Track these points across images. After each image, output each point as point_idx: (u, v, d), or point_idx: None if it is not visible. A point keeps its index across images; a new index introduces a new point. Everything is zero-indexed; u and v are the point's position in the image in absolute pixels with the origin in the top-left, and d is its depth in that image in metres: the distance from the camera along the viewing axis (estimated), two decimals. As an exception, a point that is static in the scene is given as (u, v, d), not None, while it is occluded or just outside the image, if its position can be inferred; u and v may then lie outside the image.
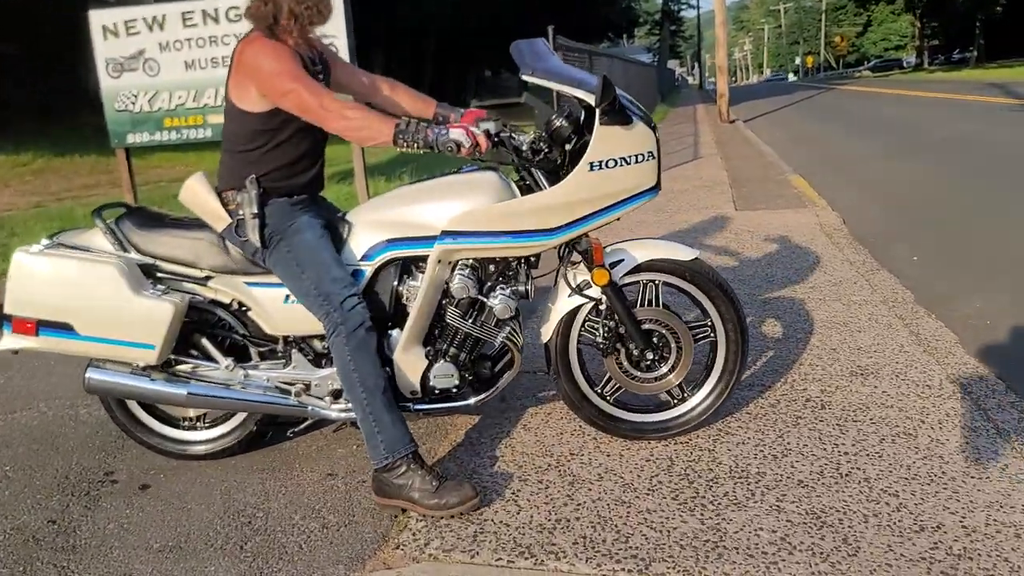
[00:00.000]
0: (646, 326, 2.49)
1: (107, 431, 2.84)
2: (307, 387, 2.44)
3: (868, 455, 2.41)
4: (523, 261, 2.38)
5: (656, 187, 2.32)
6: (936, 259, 4.83)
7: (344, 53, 6.34)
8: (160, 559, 2.13)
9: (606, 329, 2.47)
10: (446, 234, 2.26)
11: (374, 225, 2.35)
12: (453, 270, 2.32)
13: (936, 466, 2.31)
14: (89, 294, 2.26)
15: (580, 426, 2.70)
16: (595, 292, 2.41)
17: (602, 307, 2.46)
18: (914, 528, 2.03)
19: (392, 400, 2.26)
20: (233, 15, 7.22)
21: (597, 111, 2.16)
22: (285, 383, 2.45)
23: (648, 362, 2.51)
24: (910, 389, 2.86)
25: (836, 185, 7.77)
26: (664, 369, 2.54)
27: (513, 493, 2.32)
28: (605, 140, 2.20)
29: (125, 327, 2.28)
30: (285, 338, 2.45)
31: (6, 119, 15.59)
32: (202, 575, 2.05)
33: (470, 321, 2.35)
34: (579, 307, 2.47)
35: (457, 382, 2.39)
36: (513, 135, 2.32)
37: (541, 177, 2.31)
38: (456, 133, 2.14)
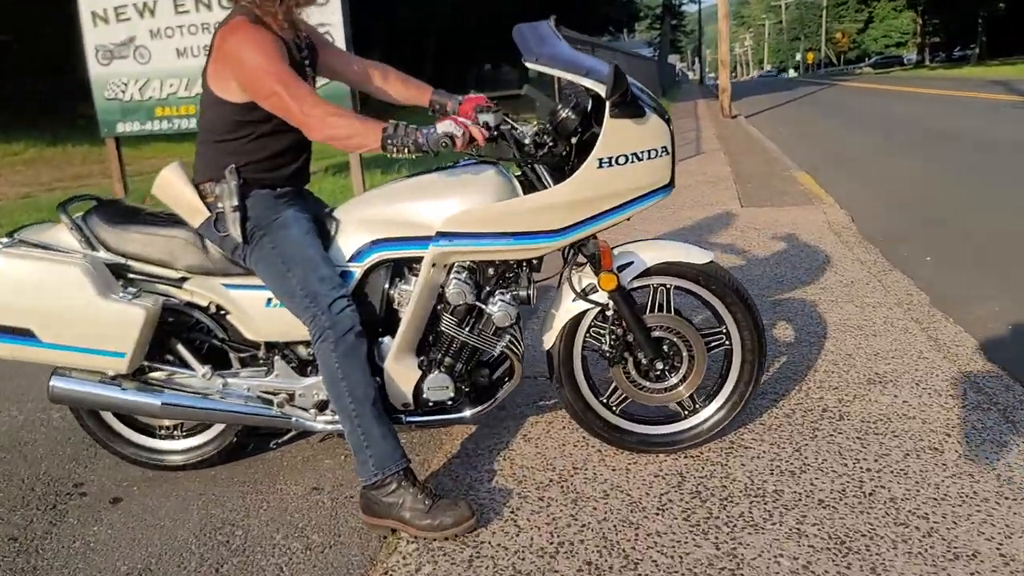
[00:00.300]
0: (656, 333, 2.32)
1: (79, 437, 2.67)
2: (291, 397, 2.27)
3: (892, 472, 2.25)
4: (524, 264, 2.20)
5: (670, 185, 2.15)
6: (949, 259, 4.67)
7: (340, 44, 6.16)
8: (128, 584, 1.97)
9: (613, 337, 2.30)
10: (441, 235, 2.08)
11: (364, 223, 2.18)
12: (449, 273, 2.15)
13: (967, 485, 2.15)
14: (51, 297, 2.08)
15: (583, 437, 2.53)
16: (601, 297, 2.23)
17: (609, 313, 2.29)
18: (948, 556, 1.86)
19: (382, 412, 2.09)
20: (226, 2, 7.00)
21: (608, 103, 1.98)
22: (267, 392, 2.27)
23: (657, 372, 2.35)
24: (932, 399, 2.69)
25: (842, 182, 7.61)
26: (674, 379, 2.37)
27: (512, 512, 2.16)
28: (616, 134, 2.03)
29: (92, 333, 2.10)
30: (267, 344, 2.28)
31: (-2, 108, 15.40)
32: (173, 603, 1.89)
33: (467, 329, 2.18)
34: (584, 313, 2.30)
35: (452, 394, 2.22)
36: (515, 127, 2.14)
37: (545, 173, 2.14)
38: (445, 126, 1.96)
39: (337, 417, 2.12)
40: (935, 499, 2.10)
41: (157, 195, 2.22)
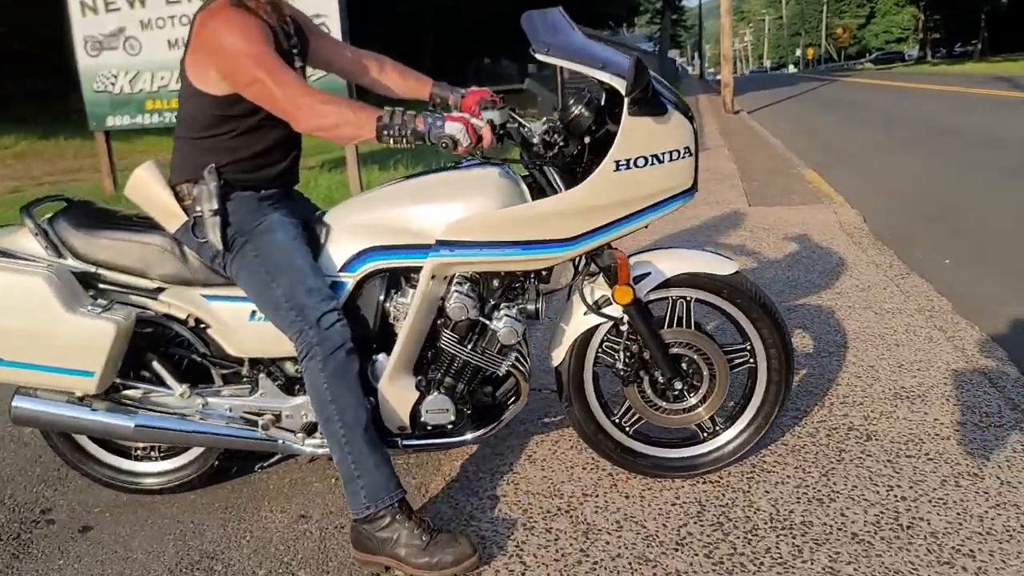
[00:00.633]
0: (674, 350, 2.13)
1: (51, 456, 2.46)
2: (277, 418, 2.08)
3: (930, 501, 2.07)
4: (532, 276, 2.01)
5: (692, 189, 1.96)
6: (968, 261, 4.49)
7: (336, 37, 5.96)
8: (95, 628, 1.78)
9: (628, 354, 2.11)
10: (442, 244, 1.89)
11: (357, 229, 1.99)
12: (450, 285, 1.96)
13: (1013, 518, 1.97)
14: (11, 311, 1.88)
15: (592, 458, 2.35)
16: (615, 311, 2.04)
17: (623, 328, 2.10)
18: (1000, 603, 1.69)
19: (376, 438, 1.90)
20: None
21: (627, 99, 1.79)
22: (251, 413, 2.08)
23: (675, 392, 2.16)
24: (966, 417, 2.52)
25: (850, 180, 7.42)
26: (694, 400, 2.18)
27: (517, 546, 1.97)
28: (634, 134, 1.84)
29: (57, 351, 1.90)
30: (251, 360, 2.09)
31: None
32: (143, 651, 1.70)
33: (469, 347, 1.99)
34: (596, 327, 2.11)
35: (453, 418, 2.03)
36: (523, 125, 1.95)
37: (555, 176, 1.95)
38: (452, 127, 1.77)
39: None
40: (980, 534, 1.92)
41: (130, 196, 2.03)
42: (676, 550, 1.93)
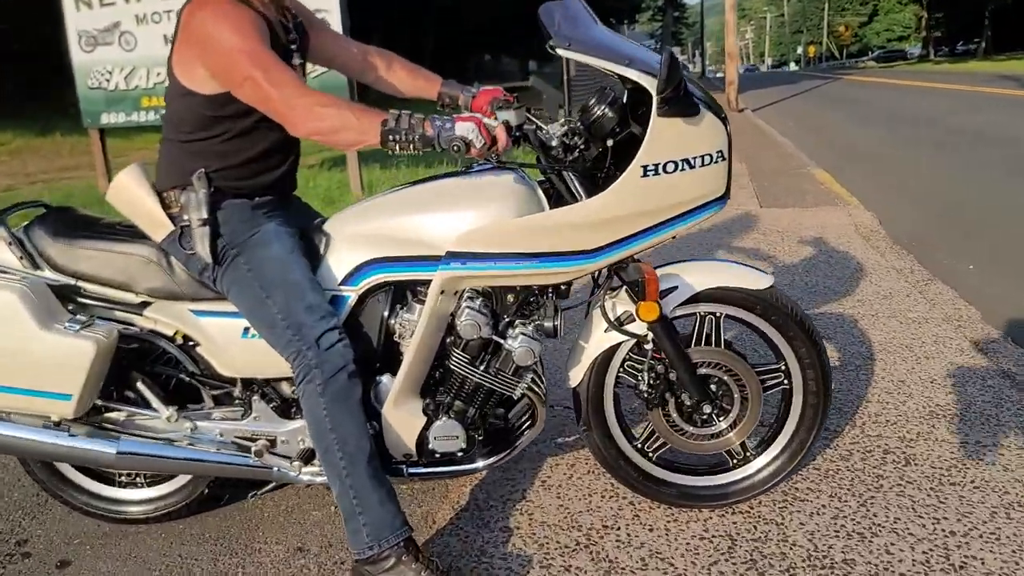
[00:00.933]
0: (702, 370, 1.96)
1: (30, 482, 2.31)
2: (272, 443, 1.91)
3: (982, 536, 1.91)
4: (550, 291, 1.84)
5: (725, 196, 1.79)
6: (992, 266, 4.33)
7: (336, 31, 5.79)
8: None
9: (652, 374, 1.94)
10: (452, 256, 1.72)
11: (360, 239, 1.82)
12: (460, 301, 1.79)
13: (1073, 556, 1.81)
14: (-21, 329, 1.72)
15: (611, 484, 2.19)
16: (639, 328, 1.88)
17: (647, 346, 1.93)
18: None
19: (379, 470, 1.74)
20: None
21: (656, 99, 1.63)
22: (243, 438, 1.92)
23: (704, 416, 1.99)
24: (1009, 439, 2.35)
25: (862, 179, 7.27)
26: (723, 424, 2.02)
27: (533, 586, 1.81)
28: (664, 136, 1.67)
29: (31, 372, 1.74)
30: (244, 381, 1.92)
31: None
32: None
33: (481, 368, 1.82)
34: (618, 346, 1.94)
35: (464, 445, 1.86)
36: (540, 126, 1.79)
37: (575, 182, 1.78)
38: (463, 127, 1.60)
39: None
40: (1039, 574, 1.76)
41: (112, 203, 1.87)
42: (707, 592, 1.77)
